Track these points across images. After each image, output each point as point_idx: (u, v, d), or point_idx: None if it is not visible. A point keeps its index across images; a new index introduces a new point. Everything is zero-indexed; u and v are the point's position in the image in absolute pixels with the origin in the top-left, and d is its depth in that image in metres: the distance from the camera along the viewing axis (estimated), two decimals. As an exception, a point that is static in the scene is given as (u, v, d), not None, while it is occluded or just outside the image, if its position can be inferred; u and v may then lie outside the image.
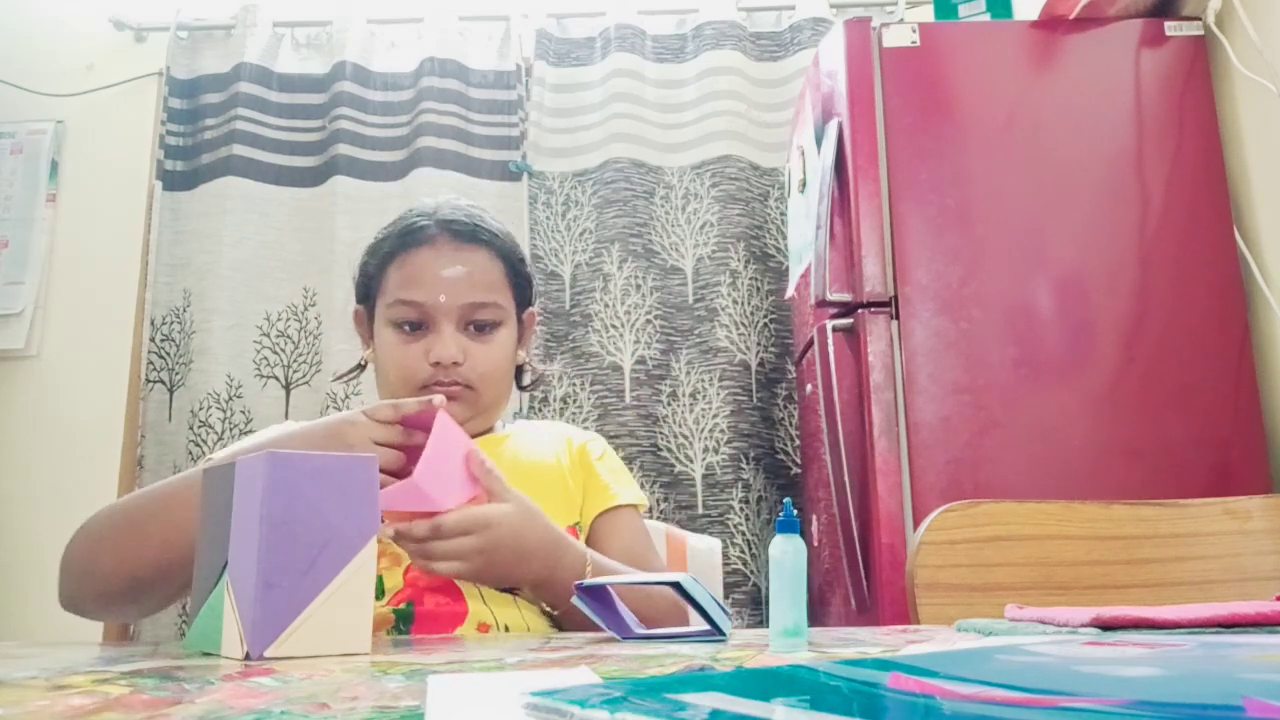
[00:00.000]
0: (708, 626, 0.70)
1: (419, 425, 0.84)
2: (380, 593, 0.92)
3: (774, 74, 2.53)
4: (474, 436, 1.06)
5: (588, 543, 1.05)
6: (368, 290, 1.09)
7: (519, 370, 1.14)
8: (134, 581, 0.83)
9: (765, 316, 2.39)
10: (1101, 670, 0.37)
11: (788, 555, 0.70)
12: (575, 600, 0.73)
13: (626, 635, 0.70)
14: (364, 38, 2.61)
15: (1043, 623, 0.67)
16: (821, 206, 1.70)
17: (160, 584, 0.83)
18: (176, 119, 2.59)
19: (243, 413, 2.37)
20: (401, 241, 1.05)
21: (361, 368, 1.18)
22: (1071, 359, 1.58)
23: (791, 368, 2.35)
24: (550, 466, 1.09)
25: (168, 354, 2.45)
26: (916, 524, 1.27)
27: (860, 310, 1.63)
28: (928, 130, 1.68)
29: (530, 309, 1.13)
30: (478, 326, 1.04)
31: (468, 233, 1.05)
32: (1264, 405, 1.58)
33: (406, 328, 1.02)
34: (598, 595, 0.73)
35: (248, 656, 0.57)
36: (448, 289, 1.01)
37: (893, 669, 0.36)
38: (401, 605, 0.91)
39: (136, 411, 2.43)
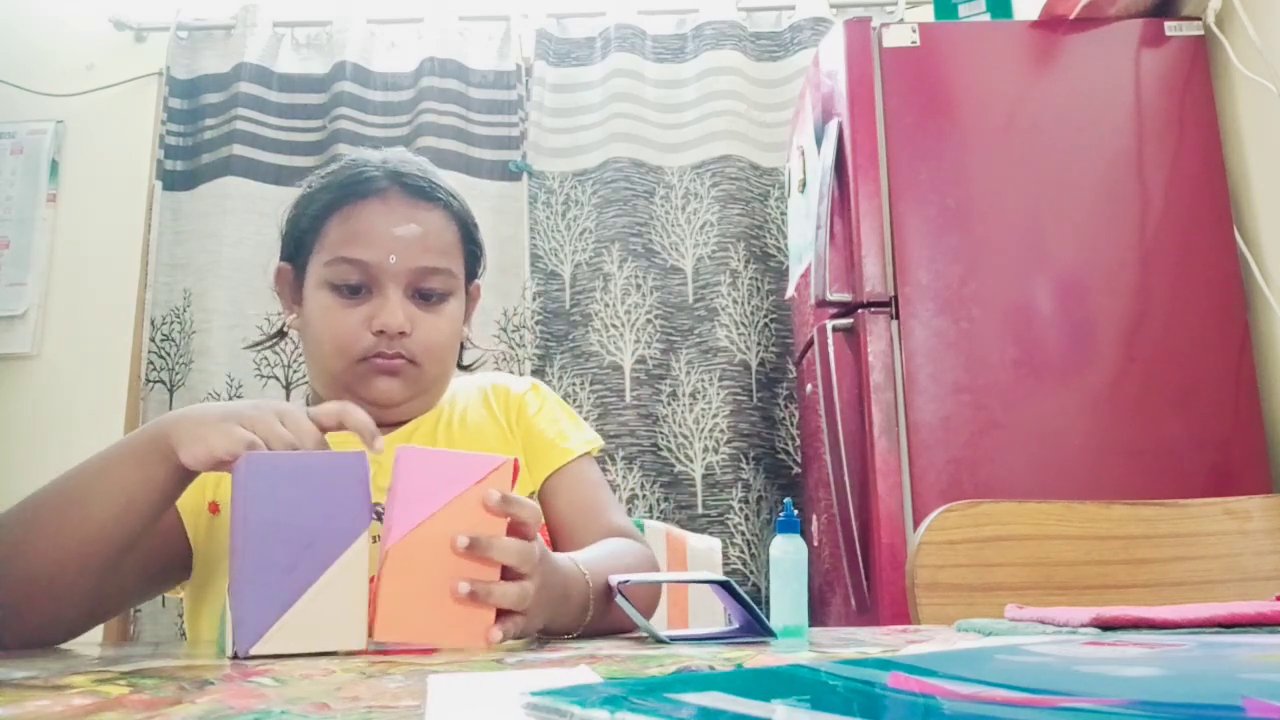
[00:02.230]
0: (736, 626, 0.69)
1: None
2: None
3: (774, 74, 2.53)
4: (403, 422, 0.97)
5: (541, 503, 0.97)
6: (299, 245, 0.95)
7: (460, 347, 1.03)
8: (31, 586, 0.70)
9: (765, 316, 2.39)
10: (1101, 670, 0.37)
11: (788, 555, 0.70)
12: (620, 602, 0.69)
13: (670, 637, 0.67)
14: (364, 38, 2.61)
15: (1043, 623, 0.67)
16: (821, 206, 1.70)
17: (57, 588, 0.71)
18: (176, 119, 2.59)
19: (243, 413, 2.37)
20: (346, 192, 0.92)
21: (282, 334, 1.04)
22: (1071, 359, 1.59)
23: (792, 367, 2.35)
24: (493, 436, 0.99)
25: (168, 354, 2.45)
26: (916, 524, 1.27)
27: (860, 310, 1.63)
28: (928, 130, 1.68)
29: (477, 281, 1.02)
30: (425, 295, 0.92)
31: (423, 189, 0.93)
32: (1264, 405, 1.58)
33: (346, 290, 0.90)
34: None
35: (235, 655, 0.57)
36: (399, 249, 0.89)
37: (893, 669, 0.36)
38: None
39: (137, 411, 2.43)
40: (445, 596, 0.61)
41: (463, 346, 1.04)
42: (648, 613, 0.91)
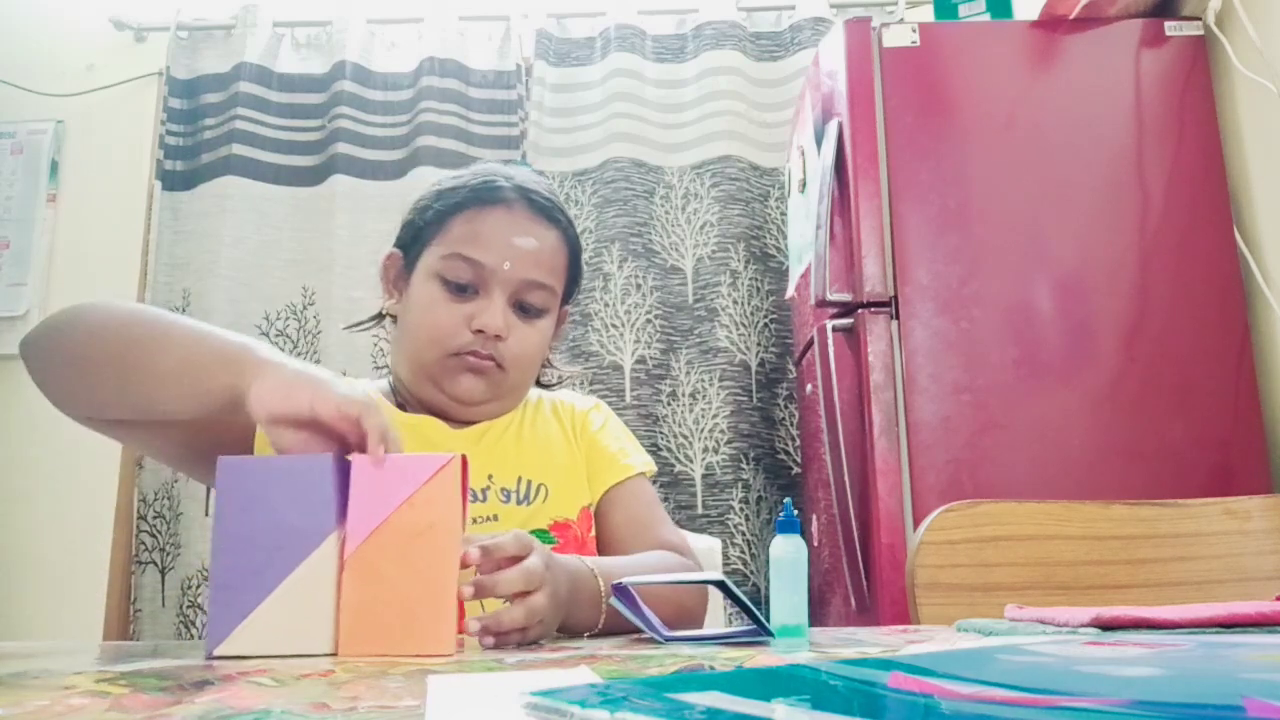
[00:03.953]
0: (740, 628, 0.69)
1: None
2: None
3: (774, 74, 2.53)
4: (488, 420, 1.01)
5: (596, 517, 1.01)
6: (418, 236, 0.99)
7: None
8: (107, 407, 0.80)
9: (765, 316, 2.39)
10: (1101, 670, 0.37)
11: (788, 555, 0.70)
12: (614, 602, 0.70)
13: (669, 637, 0.67)
14: (364, 38, 2.61)
15: (1043, 623, 0.67)
16: (821, 206, 1.70)
17: (130, 412, 0.79)
18: (176, 119, 2.59)
19: (243, 412, 2.37)
20: (476, 195, 0.97)
21: (380, 318, 1.07)
22: (1071, 359, 1.58)
23: (792, 368, 2.35)
24: (559, 445, 1.04)
25: (168, 354, 2.45)
26: (916, 524, 1.27)
27: (860, 310, 1.63)
28: (928, 130, 1.68)
29: (567, 306, 1.07)
30: (524, 307, 0.96)
31: (546, 208, 0.98)
32: (1264, 405, 1.57)
33: (455, 286, 0.94)
34: (626, 594, 0.70)
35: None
36: (515, 258, 0.94)
37: (893, 669, 0.36)
38: None
39: (136, 411, 2.43)
40: (407, 602, 0.60)
41: (542, 366, 1.08)
42: (691, 619, 0.94)
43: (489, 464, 0.97)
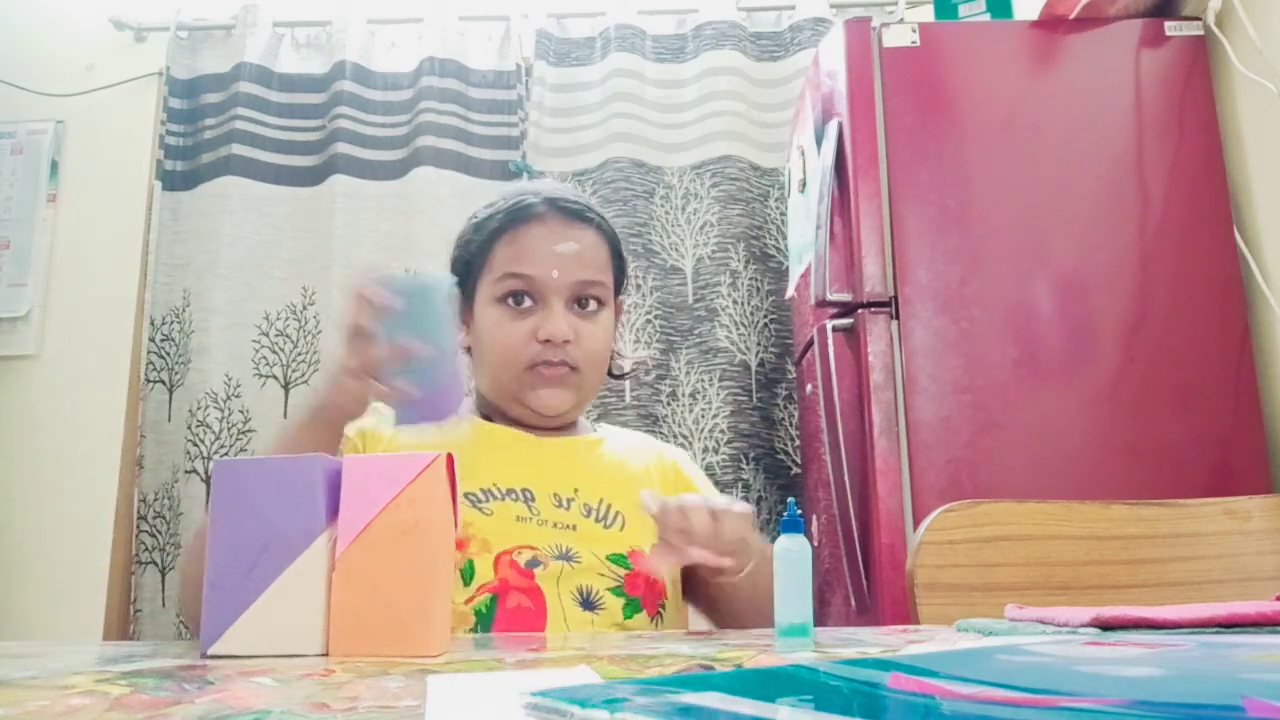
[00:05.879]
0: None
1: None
2: (469, 577, 0.89)
3: (774, 74, 2.53)
4: (561, 429, 1.05)
5: (684, 569, 1.01)
6: (468, 269, 1.05)
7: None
8: None
9: (765, 316, 2.39)
10: (1101, 670, 0.37)
11: (792, 554, 0.70)
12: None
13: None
14: (364, 38, 2.61)
15: (1043, 623, 0.67)
16: (821, 206, 1.70)
17: None
18: (176, 119, 2.59)
19: (241, 412, 2.37)
20: (511, 218, 1.03)
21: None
22: (1071, 359, 1.58)
23: (791, 368, 2.35)
24: (643, 482, 1.05)
25: (167, 354, 2.45)
26: (916, 524, 1.27)
27: (860, 310, 1.63)
28: (928, 130, 1.68)
29: (620, 296, 1.11)
30: (584, 306, 1.02)
31: (577, 212, 1.04)
32: (1264, 405, 1.57)
33: (512, 302, 1.00)
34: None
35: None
36: (560, 265, 0.99)
37: (893, 669, 0.36)
38: (485, 597, 0.88)
39: (136, 411, 2.43)
40: (395, 603, 0.60)
41: (611, 358, 1.12)
42: (759, 611, 0.99)
43: (576, 477, 1.00)
